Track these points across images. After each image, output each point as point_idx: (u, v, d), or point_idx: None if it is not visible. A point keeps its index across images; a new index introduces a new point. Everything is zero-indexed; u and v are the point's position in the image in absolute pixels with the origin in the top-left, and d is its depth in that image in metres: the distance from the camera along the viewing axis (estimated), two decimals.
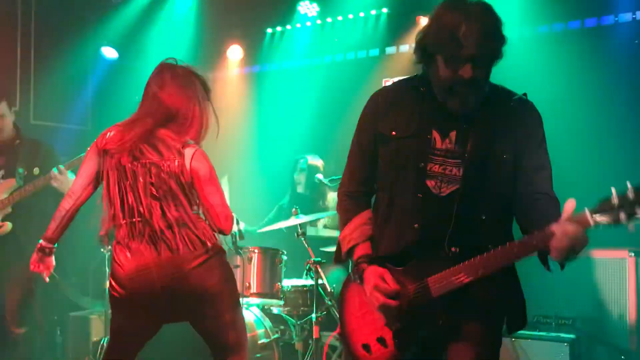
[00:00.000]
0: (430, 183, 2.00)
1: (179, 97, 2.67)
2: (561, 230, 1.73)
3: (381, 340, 2.08)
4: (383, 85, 5.60)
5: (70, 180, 3.64)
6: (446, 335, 1.98)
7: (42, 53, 5.88)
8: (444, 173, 2.00)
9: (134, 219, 2.58)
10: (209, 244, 2.61)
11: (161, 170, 2.58)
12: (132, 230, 2.58)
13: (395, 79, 5.39)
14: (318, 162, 5.13)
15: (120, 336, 2.70)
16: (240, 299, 3.43)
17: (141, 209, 2.57)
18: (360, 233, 2.14)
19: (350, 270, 2.25)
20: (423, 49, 1.99)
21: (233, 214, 2.78)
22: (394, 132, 2.06)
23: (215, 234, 2.68)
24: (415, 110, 2.05)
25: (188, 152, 2.62)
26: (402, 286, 2.00)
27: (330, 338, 4.09)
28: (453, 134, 2.00)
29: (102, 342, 4.56)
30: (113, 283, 2.61)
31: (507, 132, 2.00)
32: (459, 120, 2.00)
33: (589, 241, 1.75)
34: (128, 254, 2.56)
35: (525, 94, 2.08)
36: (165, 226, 2.56)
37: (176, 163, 2.59)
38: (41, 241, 2.79)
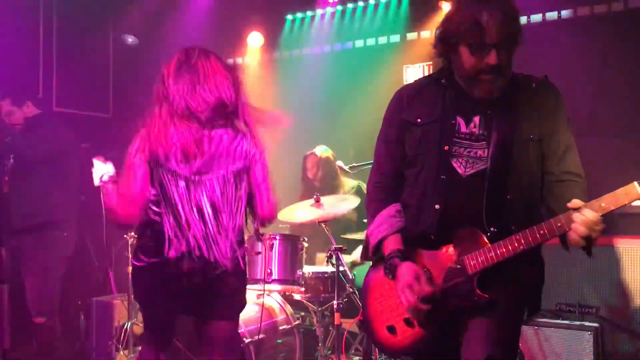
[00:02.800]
0: (455, 164, 2.04)
1: None
2: (580, 218, 1.80)
3: (408, 321, 2.11)
4: (404, 71, 5.57)
5: None
6: (475, 311, 2.00)
7: (64, 41, 5.92)
8: (469, 155, 2.04)
9: None
10: None
11: None
12: None
13: (417, 65, 5.45)
14: (328, 153, 5.11)
15: None
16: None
17: None
18: (389, 225, 2.14)
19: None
20: (445, 41, 2.04)
21: None
22: (419, 120, 2.12)
23: None
24: (438, 99, 2.12)
25: None
26: (434, 267, 2.05)
27: (351, 324, 4.10)
28: (477, 119, 2.06)
29: (125, 327, 4.61)
30: None
31: (531, 113, 2.04)
32: (482, 106, 2.05)
33: (604, 229, 1.82)
34: None
35: (546, 76, 2.11)
36: None
37: None
38: None
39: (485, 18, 1.90)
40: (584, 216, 1.80)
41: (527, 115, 2.03)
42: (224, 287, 2.58)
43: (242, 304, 2.74)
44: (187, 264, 2.49)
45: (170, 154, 2.47)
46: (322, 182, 5.02)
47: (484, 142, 2.03)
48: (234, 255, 2.56)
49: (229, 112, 2.58)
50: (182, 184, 2.49)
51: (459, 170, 2.03)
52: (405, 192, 2.17)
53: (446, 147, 2.04)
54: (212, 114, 2.52)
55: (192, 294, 2.55)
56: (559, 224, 1.87)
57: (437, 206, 2.03)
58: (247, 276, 2.76)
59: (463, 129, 2.06)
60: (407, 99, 2.19)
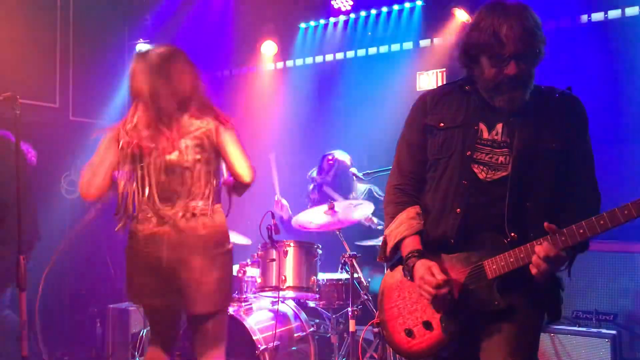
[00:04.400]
0: (476, 170, 2.06)
1: None
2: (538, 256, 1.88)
3: (427, 324, 2.12)
4: (417, 78, 5.57)
5: None
6: (494, 315, 2.01)
7: (80, 51, 6.00)
8: (491, 161, 2.06)
9: None
10: None
11: None
12: None
13: (430, 72, 5.45)
14: (346, 157, 5.11)
15: None
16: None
17: None
18: (409, 227, 2.16)
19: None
20: (466, 52, 2.07)
21: None
22: (442, 124, 2.15)
23: None
24: (462, 105, 2.15)
25: None
26: (454, 271, 2.06)
27: (365, 331, 4.10)
28: (499, 126, 2.08)
29: (141, 334, 4.64)
30: None
31: (554, 124, 2.06)
32: (505, 114, 2.07)
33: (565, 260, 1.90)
34: None
35: (569, 88, 2.14)
36: None
37: None
38: None
39: (504, 30, 1.93)
40: (543, 252, 1.86)
41: (550, 125, 2.05)
42: None
43: None
44: None
45: None
46: (334, 180, 5.02)
47: (505, 149, 2.05)
48: None
49: None
50: None
51: (480, 176, 2.05)
52: (426, 196, 2.19)
53: (468, 153, 2.07)
54: None
55: None
56: (522, 255, 1.94)
57: (458, 210, 2.06)
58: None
59: (485, 135, 2.08)
60: (430, 103, 2.21)
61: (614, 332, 3.69)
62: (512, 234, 1.99)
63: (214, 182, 2.69)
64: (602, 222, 1.82)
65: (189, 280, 2.60)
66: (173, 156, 2.61)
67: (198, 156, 2.63)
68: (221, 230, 2.70)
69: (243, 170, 2.68)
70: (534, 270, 1.90)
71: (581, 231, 1.84)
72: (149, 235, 2.61)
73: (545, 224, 1.87)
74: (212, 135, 2.65)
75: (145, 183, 2.63)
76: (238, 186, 2.75)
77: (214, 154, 2.68)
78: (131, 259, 2.68)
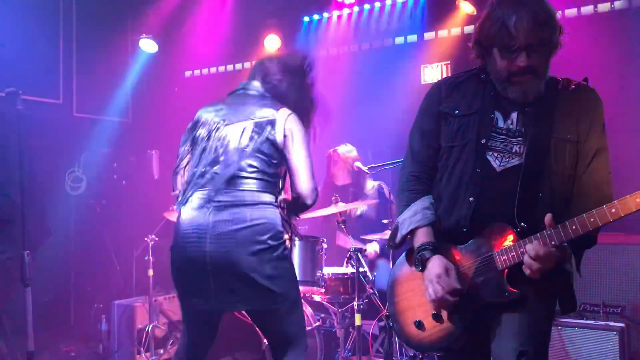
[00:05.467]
0: (490, 158, 2.05)
1: None
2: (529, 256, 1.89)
3: (436, 316, 2.11)
4: (422, 71, 5.54)
5: None
6: (505, 306, 2.00)
7: (84, 47, 6.01)
8: (505, 149, 2.05)
9: None
10: None
11: None
12: None
13: (434, 65, 5.42)
14: (352, 151, 5.08)
15: None
16: None
17: None
18: (423, 217, 2.13)
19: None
20: (479, 44, 2.06)
21: None
22: (457, 111, 2.13)
23: None
24: (477, 93, 2.14)
25: None
26: (464, 261, 2.06)
27: (373, 326, 4.09)
28: (515, 115, 2.07)
29: (146, 330, 4.65)
30: None
31: (569, 114, 2.04)
32: (520, 104, 2.06)
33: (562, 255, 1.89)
34: None
35: (586, 79, 2.11)
36: None
37: None
38: None
39: (514, 21, 1.91)
40: (533, 251, 1.87)
41: (565, 115, 2.03)
42: None
43: None
44: None
45: None
46: (344, 181, 4.99)
47: (520, 138, 2.03)
48: None
49: None
50: None
51: (494, 165, 2.04)
52: (438, 184, 2.17)
53: (483, 140, 2.05)
54: None
55: None
56: (512, 254, 1.95)
57: (471, 199, 2.04)
58: None
59: (500, 123, 2.07)
60: (445, 90, 2.19)
61: (621, 324, 3.66)
62: (523, 224, 1.98)
63: None
64: (592, 219, 1.81)
65: None
66: None
67: None
68: None
69: None
70: (526, 271, 1.90)
71: (574, 227, 1.84)
72: None
73: (546, 218, 1.85)
74: None
75: None
76: None
77: None
78: None
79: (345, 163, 4.95)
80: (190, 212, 2.55)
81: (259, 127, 2.59)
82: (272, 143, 2.58)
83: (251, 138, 2.57)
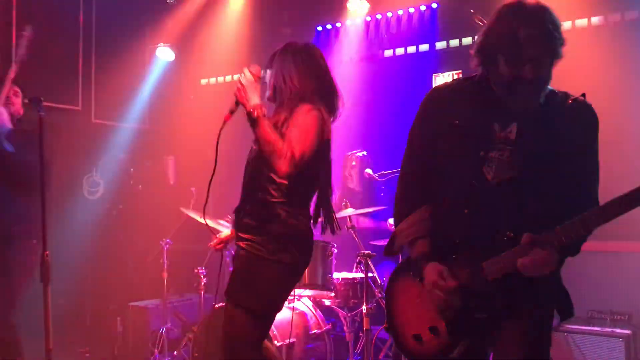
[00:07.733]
0: (487, 171, 2.03)
1: None
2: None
3: (433, 330, 2.12)
4: (433, 80, 5.60)
5: None
6: (500, 317, 2.01)
7: (102, 55, 6.14)
8: (501, 159, 2.03)
9: None
10: None
11: None
12: None
13: (446, 74, 5.47)
14: (367, 158, 5.16)
15: None
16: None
17: None
18: (423, 228, 2.15)
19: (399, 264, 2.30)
20: (484, 52, 2.04)
21: None
22: (456, 122, 2.11)
23: None
24: (477, 102, 2.11)
25: None
26: (456, 272, 2.04)
27: (380, 330, 4.14)
28: (513, 126, 2.05)
29: (161, 331, 4.73)
30: None
31: (563, 129, 2.02)
32: (519, 115, 2.04)
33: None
34: None
35: (584, 94, 2.10)
36: None
37: None
38: None
39: (522, 32, 1.89)
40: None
41: (561, 129, 2.02)
42: None
43: None
44: None
45: None
46: (357, 186, 5.06)
47: (515, 150, 2.02)
48: None
49: None
50: None
51: (488, 176, 2.02)
52: (434, 193, 2.17)
53: (482, 153, 2.04)
54: None
55: None
56: (501, 265, 1.96)
57: (465, 211, 2.05)
58: None
59: (498, 134, 2.05)
60: (446, 96, 2.18)
61: (628, 331, 3.68)
62: (509, 234, 1.97)
63: None
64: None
65: None
66: None
67: None
68: None
69: None
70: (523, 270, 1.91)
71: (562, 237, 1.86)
72: None
73: (523, 237, 1.89)
74: None
75: None
76: None
77: None
78: None
79: (358, 167, 5.04)
80: None
81: None
82: None
83: None
